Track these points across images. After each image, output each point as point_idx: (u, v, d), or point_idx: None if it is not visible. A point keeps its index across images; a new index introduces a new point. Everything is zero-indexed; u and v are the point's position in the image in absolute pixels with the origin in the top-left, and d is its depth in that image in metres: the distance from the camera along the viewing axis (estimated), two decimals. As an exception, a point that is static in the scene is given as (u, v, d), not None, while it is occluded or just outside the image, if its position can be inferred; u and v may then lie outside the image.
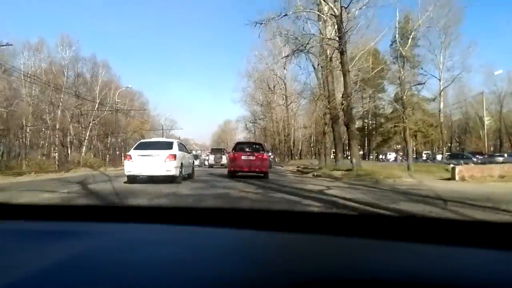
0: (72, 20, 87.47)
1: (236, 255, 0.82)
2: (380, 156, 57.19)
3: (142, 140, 15.74)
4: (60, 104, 42.43)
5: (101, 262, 0.76)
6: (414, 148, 55.14)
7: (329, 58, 19.08)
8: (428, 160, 41.68)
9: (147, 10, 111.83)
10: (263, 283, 0.64)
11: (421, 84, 31.25)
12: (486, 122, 49.78)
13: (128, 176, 12.21)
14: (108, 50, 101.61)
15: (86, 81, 48.87)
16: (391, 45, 41.43)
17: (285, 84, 43.75)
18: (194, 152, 29.43)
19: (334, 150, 27.39)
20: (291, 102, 43.47)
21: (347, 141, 34.96)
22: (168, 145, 12.93)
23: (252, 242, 0.91)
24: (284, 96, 44.62)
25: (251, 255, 0.82)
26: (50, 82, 39.40)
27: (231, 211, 1.09)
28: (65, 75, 43.76)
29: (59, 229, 0.99)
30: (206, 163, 30.36)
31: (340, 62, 16.06)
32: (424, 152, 54.04)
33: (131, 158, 12.14)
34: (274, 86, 47.06)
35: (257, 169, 14.52)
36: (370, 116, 47.28)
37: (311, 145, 79.79)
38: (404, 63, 23.34)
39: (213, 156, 30.29)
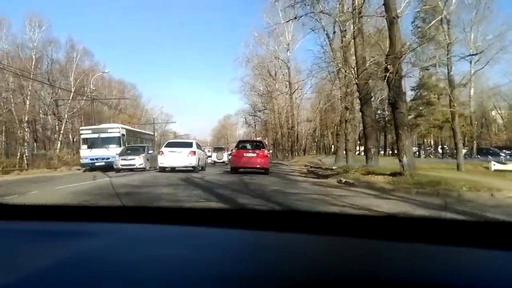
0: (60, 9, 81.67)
1: (236, 255, 0.82)
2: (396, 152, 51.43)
3: (169, 140, 20.58)
4: (28, 92, 36.50)
5: (101, 262, 0.76)
6: (433, 142, 49.39)
7: (357, 9, 13.15)
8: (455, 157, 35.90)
9: (144, 3, 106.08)
10: (263, 283, 0.65)
11: (475, 54, 24.86)
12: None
13: (160, 167, 16.38)
14: (105, 45, 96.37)
15: (63, 68, 42.86)
16: (413, 22, 35.41)
17: (288, 69, 37.51)
18: None
19: (346, 144, 21.94)
20: (296, 90, 37.50)
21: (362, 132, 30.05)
22: (189, 144, 17.35)
23: (252, 242, 0.92)
24: (287, 83, 38.64)
25: (251, 255, 0.82)
26: (12, 66, 33.39)
27: (231, 212, 1.12)
28: (33, 58, 37.64)
29: (59, 229, 0.99)
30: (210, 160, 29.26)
31: (384, 4, 10.14)
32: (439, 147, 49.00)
33: (163, 154, 16.35)
34: (275, 73, 41.11)
35: (258, 166, 15.27)
36: (386, 105, 41.28)
37: (316, 140, 74.30)
38: (448, 27, 17.34)
39: (215, 154, 32.29)
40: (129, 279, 0.67)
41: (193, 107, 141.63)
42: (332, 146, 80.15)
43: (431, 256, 0.75)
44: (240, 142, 17.74)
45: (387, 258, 0.76)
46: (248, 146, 16.36)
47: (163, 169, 16.18)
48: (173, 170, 15.79)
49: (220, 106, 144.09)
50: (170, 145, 17.15)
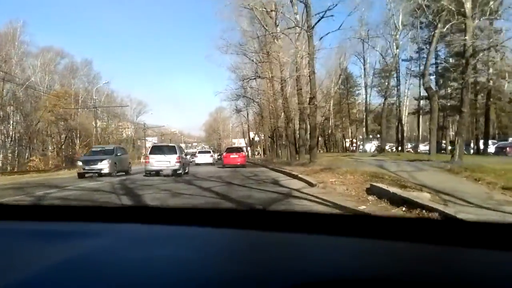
0: None
1: (236, 255, 0.83)
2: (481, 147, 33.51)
3: (199, 150, 45.07)
4: None
5: (101, 262, 0.77)
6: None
7: None
8: None
9: None
10: (263, 283, 0.65)
11: None
12: None
13: (196, 163, 31.46)
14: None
15: None
16: None
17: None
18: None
19: None
20: (319, 21, 18.48)
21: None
22: (209, 152, 39.15)
23: (252, 242, 0.92)
24: (295, 18, 19.92)
25: (251, 255, 0.82)
26: None
27: (231, 212, 1.11)
28: None
29: (59, 229, 0.99)
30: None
31: None
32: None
33: (197, 156, 35.20)
34: (275, 8, 22.41)
35: (238, 163, 24.66)
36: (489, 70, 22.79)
37: (329, 133, 56.12)
38: None
39: (203, 156, 42.18)
40: (128, 279, 0.67)
41: (186, 102, 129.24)
42: (347, 141, 62.45)
43: (430, 256, 0.75)
44: (228, 149, 28.44)
45: (387, 258, 0.76)
46: (232, 150, 26.67)
47: (197, 165, 30.58)
48: (199, 164, 31.03)
49: (212, 98, 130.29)
50: (200, 152, 37.59)
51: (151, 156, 16.74)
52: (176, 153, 16.46)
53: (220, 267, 0.73)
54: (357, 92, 54.62)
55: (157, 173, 16.15)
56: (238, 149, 27.31)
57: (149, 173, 16.35)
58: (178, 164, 16.15)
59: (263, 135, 50.40)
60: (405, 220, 0.97)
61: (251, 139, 64.53)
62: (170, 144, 21.99)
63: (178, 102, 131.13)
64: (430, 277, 0.64)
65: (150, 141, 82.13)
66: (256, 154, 68.15)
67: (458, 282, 0.63)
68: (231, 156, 25.21)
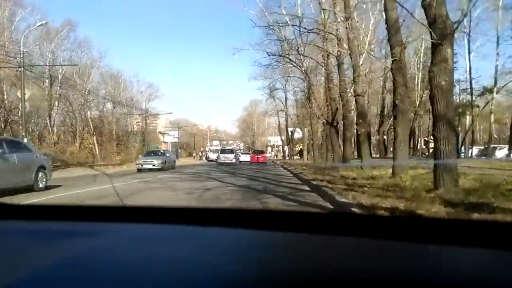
0: None
1: (236, 255, 0.83)
2: None
3: (242, 151, 55.78)
4: None
5: (101, 262, 0.77)
6: None
7: None
8: None
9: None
10: (263, 283, 0.66)
11: None
12: None
13: (240, 161, 39.04)
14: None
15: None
16: None
17: None
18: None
19: None
20: None
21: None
22: (248, 152, 48.26)
23: (252, 242, 0.93)
24: None
25: (251, 255, 0.83)
26: None
27: (231, 211, 1.10)
28: None
29: (59, 229, 1.00)
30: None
31: None
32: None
33: (240, 156, 42.51)
34: None
35: (261, 161, 38.30)
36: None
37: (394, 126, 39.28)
38: None
39: (244, 155, 47.47)
40: (129, 279, 0.68)
41: (222, 97, 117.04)
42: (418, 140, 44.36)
43: (430, 256, 0.75)
44: (253, 151, 45.75)
45: (387, 258, 0.76)
46: (257, 152, 42.76)
47: (239, 162, 37.73)
48: (240, 162, 37.93)
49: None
50: (243, 153, 46.59)
51: (221, 154, 36.41)
52: (233, 153, 36.56)
53: (219, 266, 0.73)
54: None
55: (221, 163, 32.86)
56: (261, 152, 44.63)
57: (220, 163, 32.88)
58: (235, 159, 34.98)
59: (307, 129, 35.56)
60: (406, 220, 0.94)
61: (289, 134, 49.75)
62: (230, 148, 43.21)
63: (210, 93, 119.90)
64: (430, 277, 0.64)
65: (172, 136, 71.01)
66: (295, 154, 52.48)
67: (459, 282, 0.62)
68: (256, 156, 40.47)
